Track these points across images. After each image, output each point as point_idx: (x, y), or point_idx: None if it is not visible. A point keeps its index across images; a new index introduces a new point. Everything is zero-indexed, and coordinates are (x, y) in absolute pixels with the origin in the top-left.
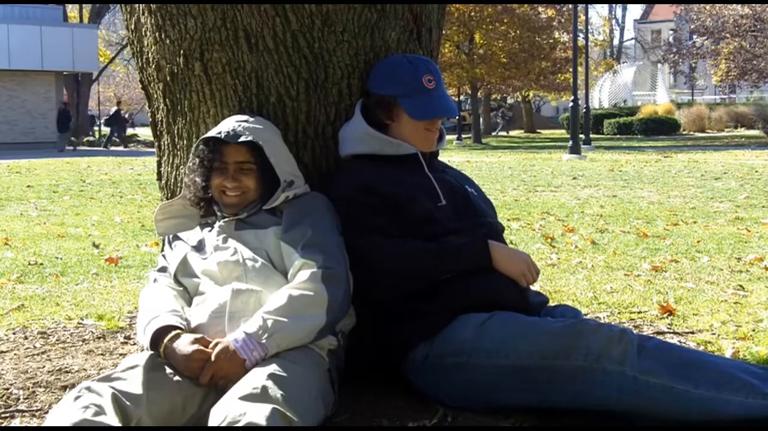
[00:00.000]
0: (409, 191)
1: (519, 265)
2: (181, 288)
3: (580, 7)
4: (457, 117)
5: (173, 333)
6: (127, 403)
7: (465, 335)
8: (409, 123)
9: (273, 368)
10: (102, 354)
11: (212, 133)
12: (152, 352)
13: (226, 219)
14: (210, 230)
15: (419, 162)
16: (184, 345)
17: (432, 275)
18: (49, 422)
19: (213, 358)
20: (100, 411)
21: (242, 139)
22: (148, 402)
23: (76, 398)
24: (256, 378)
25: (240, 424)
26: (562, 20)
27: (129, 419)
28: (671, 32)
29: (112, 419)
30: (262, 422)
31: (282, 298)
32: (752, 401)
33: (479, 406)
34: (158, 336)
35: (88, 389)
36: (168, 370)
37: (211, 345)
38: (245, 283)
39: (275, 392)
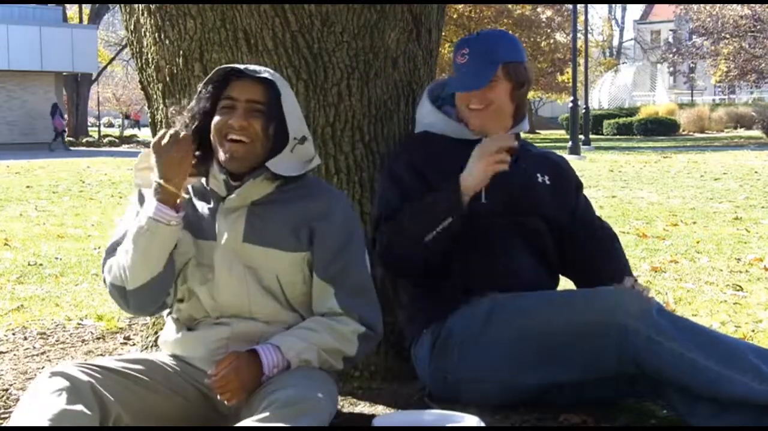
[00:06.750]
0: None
1: (481, 167)
2: None
3: (580, 7)
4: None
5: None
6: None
7: (479, 309)
8: (457, 100)
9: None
10: (101, 355)
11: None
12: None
13: (231, 197)
14: (208, 211)
15: None
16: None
17: (420, 239)
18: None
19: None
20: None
21: (263, 75)
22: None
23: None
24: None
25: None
26: (562, 20)
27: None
28: (671, 32)
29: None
30: None
31: (315, 344)
32: (756, 386)
33: (493, 388)
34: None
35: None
36: (146, 378)
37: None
38: (249, 318)
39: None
